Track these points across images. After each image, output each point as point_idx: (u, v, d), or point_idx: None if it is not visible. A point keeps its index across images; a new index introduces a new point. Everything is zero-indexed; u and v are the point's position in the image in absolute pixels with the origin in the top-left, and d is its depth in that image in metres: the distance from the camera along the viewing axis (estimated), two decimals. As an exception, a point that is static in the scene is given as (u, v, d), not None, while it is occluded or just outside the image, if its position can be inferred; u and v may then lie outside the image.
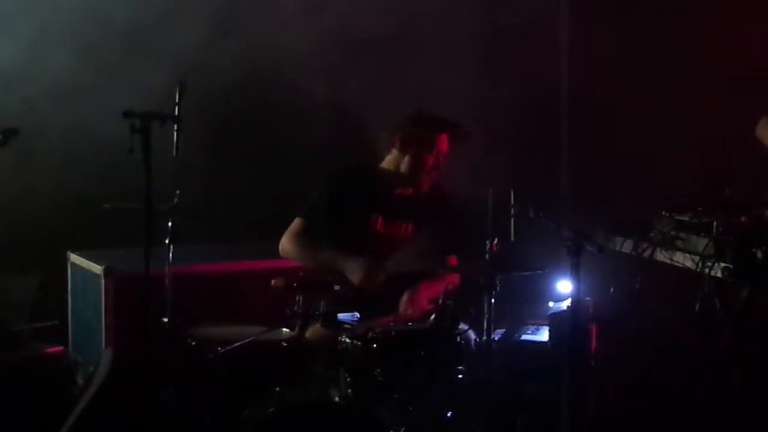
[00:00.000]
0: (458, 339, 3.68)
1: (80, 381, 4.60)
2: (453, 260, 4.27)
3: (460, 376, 3.66)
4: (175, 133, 3.72)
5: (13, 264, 4.94)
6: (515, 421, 4.01)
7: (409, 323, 3.88)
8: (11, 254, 4.97)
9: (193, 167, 4.74)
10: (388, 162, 4.25)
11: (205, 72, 5.08)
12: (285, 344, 3.85)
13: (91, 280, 4.77)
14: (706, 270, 3.83)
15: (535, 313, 4.43)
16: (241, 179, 5.44)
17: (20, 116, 4.77)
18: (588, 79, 5.47)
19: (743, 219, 3.86)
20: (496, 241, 3.82)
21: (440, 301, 3.72)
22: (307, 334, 3.88)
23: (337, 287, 3.92)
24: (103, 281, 4.61)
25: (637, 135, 5.32)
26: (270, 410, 3.56)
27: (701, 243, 3.91)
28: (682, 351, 4.01)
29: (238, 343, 3.76)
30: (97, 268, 4.70)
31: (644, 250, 4.16)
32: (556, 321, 4.11)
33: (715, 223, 3.90)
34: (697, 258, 3.89)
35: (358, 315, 3.97)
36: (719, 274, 3.81)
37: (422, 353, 3.61)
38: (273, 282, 3.94)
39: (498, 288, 3.78)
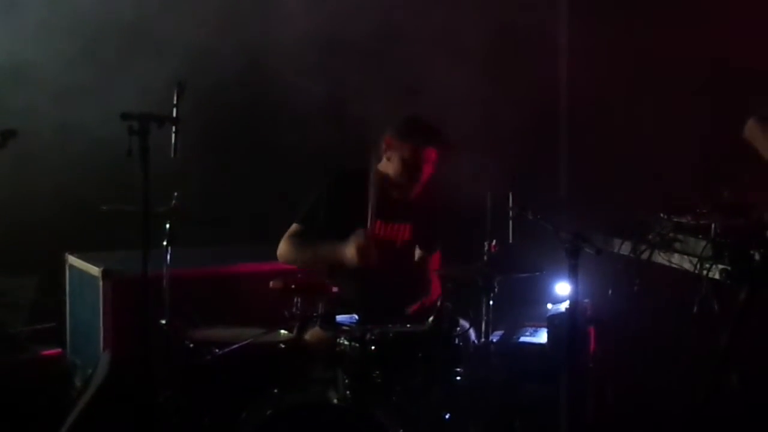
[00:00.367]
0: (457, 340, 3.68)
1: (78, 383, 4.60)
2: (435, 257, 4.28)
3: (459, 377, 3.66)
4: (173, 135, 3.72)
5: (11, 266, 4.93)
6: (514, 423, 4.01)
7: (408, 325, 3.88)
8: (9, 256, 4.96)
9: (192, 169, 4.73)
10: (383, 165, 4.26)
11: (203, 73, 5.09)
12: (283, 346, 3.85)
13: (89, 282, 4.76)
14: (704, 272, 3.83)
15: (534, 315, 4.43)
16: (240, 181, 5.44)
17: (18, 117, 4.76)
18: (587, 81, 5.47)
19: (741, 221, 3.86)
20: (494, 242, 3.82)
21: (438, 303, 3.72)
22: (306, 336, 3.88)
23: (335, 289, 3.92)
24: (101, 283, 4.61)
25: (635, 137, 5.32)
26: (268, 412, 3.56)
27: (699, 245, 3.91)
28: (680, 352, 4.01)
29: (236, 345, 3.76)
30: (95, 270, 4.70)
31: (642, 252, 4.16)
32: (554, 323, 4.11)
33: (713, 226, 3.91)
34: (695, 260, 3.89)
35: (356, 317, 3.97)
36: (717, 276, 3.81)
37: (420, 355, 3.61)
38: (271, 284, 3.93)
39: (496, 290, 3.78)
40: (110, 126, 3.54)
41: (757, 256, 3.70)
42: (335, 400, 3.58)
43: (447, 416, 3.62)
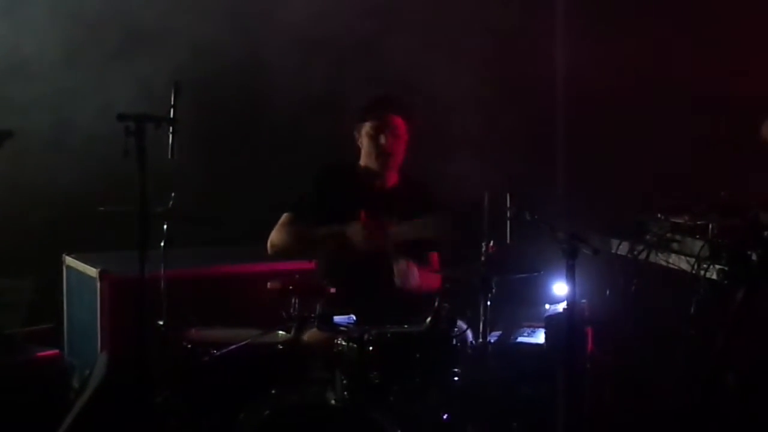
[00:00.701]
0: (454, 341, 3.68)
1: (76, 384, 4.60)
2: (434, 257, 4.28)
3: (456, 378, 3.66)
4: (170, 136, 3.71)
5: (8, 267, 4.92)
6: (511, 424, 4.00)
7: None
8: (6, 257, 4.95)
9: (189, 170, 4.73)
10: (362, 158, 4.29)
11: (200, 72, 5.09)
12: (281, 347, 3.85)
13: (86, 283, 4.76)
14: (702, 272, 3.84)
15: (531, 316, 4.43)
16: (237, 182, 5.44)
17: (14, 118, 4.76)
18: (585, 82, 5.47)
19: (738, 221, 3.87)
20: (492, 243, 3.82)
21: (436, 303, 3.72)
22: (304, 336, 3.87)
23: (332, 290, 3.92)
24: (98, 284, 4.61)
25: (633, 137, 5.32)
26: (266, 413, 3.56)
27: (697, 245, 3.92)
28: (677, 353, 4.01)
29: (234, 346, 3.76)
30: (92, 271, 4.69)
31: (640, 253, 4.17)
32: (552, 323, 4.11)
33: (710, 226, 3.91)
34: (692, 260, 3.90)
35: (354, 317, 3.97)
36: (715, 276, 3.82)
37: (418, 356, 3.61)
38: (269, 284, 3.93)
39: (494, 290, 3.78)
40: (107, 126, 3.53)
41: (754, 257, 3.70)
42: (333, 401, 3.58)
43: (445, 417, 3.62)
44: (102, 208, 4.22)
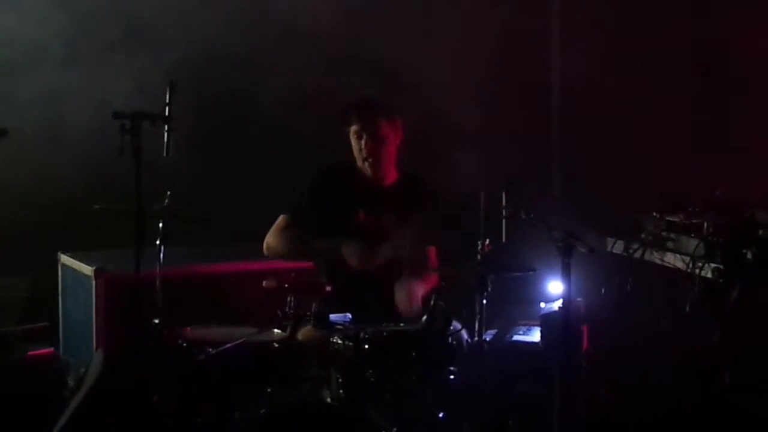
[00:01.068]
0: (450, 340, 3.68)
1: (71, 382, 4.59)
2: (432, 251, 4.29)
3: (452, 376, 3.66)
4: (165, 134, 3.70)
5: (4, 265, 4.91)
6: (507, 422, 4.01)
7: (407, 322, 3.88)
8: (1, 255, 4.94)
9: (185, 168, 4.72)
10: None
11: (195, 71, 5.08)
12: (277, 345, 3.85)
13: (81, 281, 4.75)
14: (697, 270, 3.85)
15: (527, 314, 4.44)
16: (232, 180, 5.44)
17: (10, 116, 4.75)
18: (580, 80, 5.47)
19: (733, 220, 3.87)
20: (487, 242, 3.82)
21: (431, 301, 3.72)
22: (299, 335, 3.87)
23: (328, 288, 3.92)
24: (93, 282, 4.60)
25: (628, 136, 5.33)
26: (262, 411, 3.56)
27: (692, 244, 3.92)
28: (672, 351, 4.02)
29: (229, 344, 3.76)
30: (87, 269, 4.69)
31: (635, 251, 4.17)
32: (547, 321, 4.12)
33: (705, 224, 3.92)
34: (687, 258, 3.90)
35: (350, 316, 3.96)
36: (709, 275, 3.82)
37: (414, 354, 3.61)
38: (264, 283, 3.93)
39: (489, 289, 3.78)
40: (103, 124, 3.53)
41: (749, 255, 3.71)
42: (329, 399, 3.58)
43: (440, 415, 3.62)
44: (97, 207, 4.22)
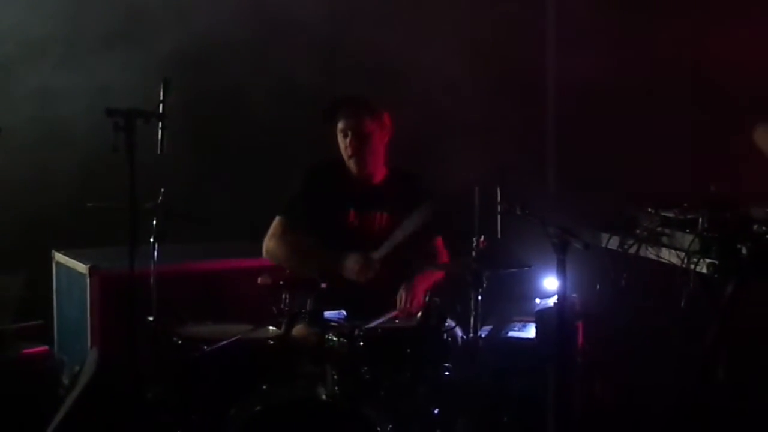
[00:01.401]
0: (445, 336, 3.68)
1: (66, 381, 4.58)
2: (438, 242, 4.28)
3: (447, 373, 3.66)
4: (159, 131, 3.70)
5: (-2, 263, 4.91)
6: (502, 418, 4.01)
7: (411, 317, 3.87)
8: (-4, 253, 4.95)
9: (178, 165, 4.72)
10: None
11: (189, 68, 5.07)
12: (272, 342, 3.84)
13: (76, 279, 4.74)
14: (692, 266, 3.85)
15: (522, 310, 4.44)
16: (227, 177, 5.43)
17: (3, 113, 4.74)
18: (575, 75, 5.47)
19: (728, 215, 3.87)
20: (482, 238, 3.82)
21: (427, 298, 3.72)
22: (294, 332, 3.87)
23: (323, 285, 3.91)
24: (88, 280, 4.59)
25: (623, 131, 5.32)
26: (257, 408, 3.56)
27: (687, 239, 3.92)
28: (668, 346, 4.02)
29: (224, 342, 3.75)
30: (82, 267, 4.68)
31: (630, 247, 4.17)
32: (542, 317, 4.12)
33: (700, 220, 3.92)
34: (682, 254, 3.90)
35: (344, 313, 3.96)
36: (705, 270, 3.83)
37: (409, 351, 3.61)
38: (259, 280, 3.93)
39: (485, 285, 3.78)
40: (97, 121, 3.52)
41: (744, 250, 3.71)
42: (324, 396, 3.58)
43: (436, 411, 3.62)
44: (90, 204, 4.21)
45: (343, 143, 4.22)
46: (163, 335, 3.94)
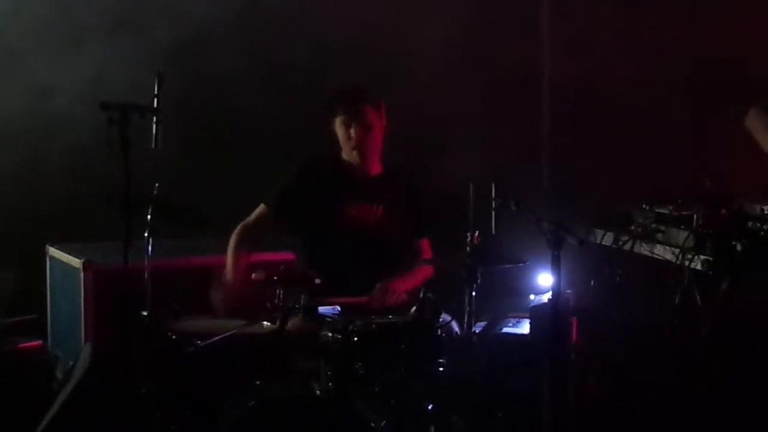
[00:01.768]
0: (439, 332, 3.68)
1: (59, 375, 4.57)
2: (425, 243, 4.28)
3: (441, 369, 3.66)
4: (154, 125, 3.68)
5: (-9, 257, 4.90)
6: (496, 414, 4.01)
7: (388, 314, 3.87)
8: (-11, 248, 4.93)
9: (173, 160, 4.70)
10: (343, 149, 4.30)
11: (185, 62, 5.06)
12: (266, 338, 3.84)
13: (70, 274, 4.73)
14: (687, 262, 3.85)
15: (516, 306, 4.43)
16: (221, 172, 5.41)
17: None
18: (570, 72, 5.47)
19: (723, 212, 3.88)
20: (477, 233, 3.82)
21: (421, 293, 3.71)
22: (288, 327, 3.86)
23: (318, 281, 3.91)
24: (82, 275, 4.59)
25: (618, 128, 5.33)
26: (251, 403, 3.55)
27: (681, 236, 3.93)
28: (662, 343, 4.03)
29: (218, 337, 3.74)
30: (76, 262, 4.67)
31: (625, 243, 4.18)
32: (537, 313, 4.12)
33: (695, 216, 3.92)
34: (677, 250, 3.91)
35: (338, 308, 3.96)
36: (699, 267, 3.83)
37: (403, 346, 3.61)
38: (253, 275, 3.92)
39: (479, 281, 3.78)
40: (91, 116, 3.51)
41: (738, 247, 3.71)
42: (318, 392, 3.57)
43: (430, 407, 3.62)
44: (84, 198, 4.19)
45: (346, 134, 4.23)
46: (157, 330, 3.92)
